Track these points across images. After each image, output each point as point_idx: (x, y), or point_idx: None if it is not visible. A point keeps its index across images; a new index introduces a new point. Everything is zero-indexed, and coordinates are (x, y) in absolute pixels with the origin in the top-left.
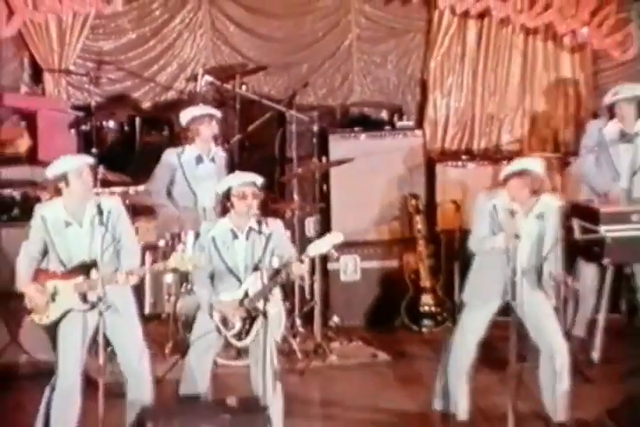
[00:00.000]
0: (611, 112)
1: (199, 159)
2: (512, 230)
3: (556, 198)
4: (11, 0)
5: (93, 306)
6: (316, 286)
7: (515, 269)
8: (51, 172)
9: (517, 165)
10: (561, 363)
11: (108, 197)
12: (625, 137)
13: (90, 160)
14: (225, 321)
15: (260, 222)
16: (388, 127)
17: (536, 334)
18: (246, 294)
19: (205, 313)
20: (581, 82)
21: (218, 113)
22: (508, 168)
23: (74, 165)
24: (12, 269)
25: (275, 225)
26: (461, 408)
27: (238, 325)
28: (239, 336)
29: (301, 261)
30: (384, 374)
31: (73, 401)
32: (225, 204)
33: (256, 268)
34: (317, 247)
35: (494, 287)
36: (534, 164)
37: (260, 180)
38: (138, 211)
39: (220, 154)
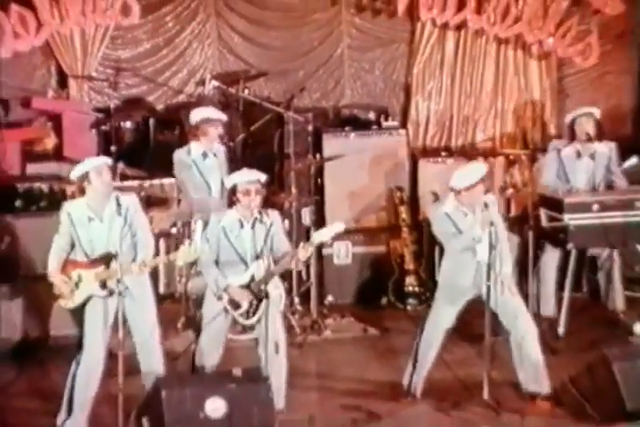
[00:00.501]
0: (571, 131)
1: (205, 155)
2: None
3: (488, 197)
4: (39, 14)
5: (112, 293)
6: (312, 269)
7: (488, 266)
8: (74, 173)
9: (477, 172)
10: (532, 340)
11: (125, 194)
12: (581, 158)
13: (108, 160)
14: (233, 302)
15: (261, 213)
16: (375, 127)
17: (507, 320)
18: (252, 279)
19: (214, 296)
20: (547, 86)
21: (224, 117)
22: (470, 179)
23: (94, 165)
24: (42, 254)
25: (274, 216)
26: (419, 388)
27: (246, 305)
28: (247, 315)
29: (306, 249)
30: (373, 346)
31: (95, 375)
32: (231, 197)
33: (258, 255)
34: (321, 235)
35: (464, 282)
36: (482, 167)
37: (263, 177)
38: (152, 202)
39: (221, 149)
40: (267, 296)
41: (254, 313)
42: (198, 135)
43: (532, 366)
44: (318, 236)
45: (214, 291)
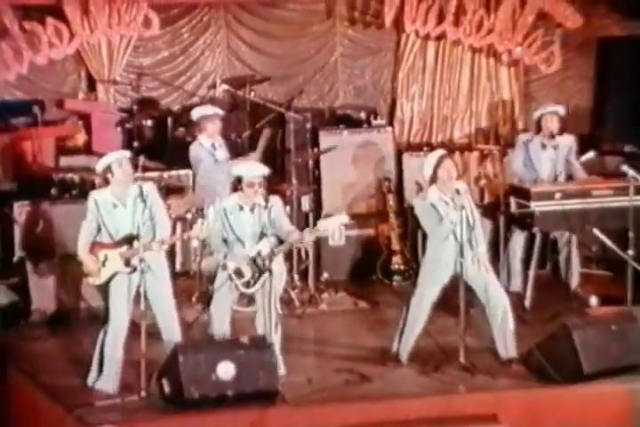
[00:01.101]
0: (538, 126)
1: (214, 147)
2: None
3: (459, 184)
4: (71, 26)
5: (134, 269)
6: (310, 250)
7: (461, 246)
8: (99, 166)
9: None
10: (505, 311)
11: (145, 182)
12: (546, 149)
13: (127, 154)
14: (238, 271)
15: (263, 199)
16: (365, 125)
17: (483, 294)
18: (259, 253)
19: (223, 271)
20: (516, 90)
21: (220, 111)
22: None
23: (115, 158)
24: (74, 235)
25: (275, 200)
26: (405, 354)
27: (248, 275)
28: (248, 284)
29: (312, 234)
30: (364, 318)
31: (120, 342)
32: (236, 185)
33: (262, 235)
34: (327, 224)
35: (445, 261)
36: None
37: (267, 171)
38: (170, 190)
39: (222, 141)
40: (270, 272)
41: (254, 284)
42: (201, 130)
43: (502, 334)
44: (324, 224)
45: (220, 260)
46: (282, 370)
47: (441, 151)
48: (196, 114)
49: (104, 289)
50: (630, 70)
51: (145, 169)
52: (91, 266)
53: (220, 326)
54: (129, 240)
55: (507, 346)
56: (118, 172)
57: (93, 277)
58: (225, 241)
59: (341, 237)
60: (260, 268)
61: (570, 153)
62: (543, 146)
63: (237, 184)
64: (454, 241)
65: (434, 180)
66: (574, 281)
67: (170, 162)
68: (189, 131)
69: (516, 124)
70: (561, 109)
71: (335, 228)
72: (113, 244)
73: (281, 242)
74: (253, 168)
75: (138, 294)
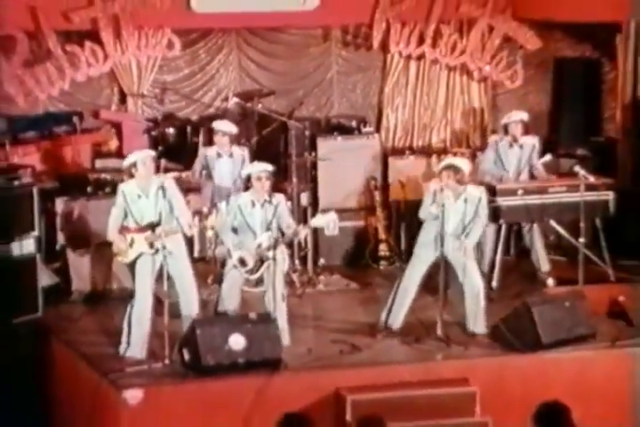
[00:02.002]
0: (505, 130)
1: (219, 155)
2: (440, 202)
3: (479, 190)
4: (106, 48)
5: (157, 251)
6: (309, 239)
7: (443, 231)
8: (125, 162)
9: (445, 162)
10: (478, 293)
11: (166, 177)
12: (513, 147)
13: (151, 153)
14: (241, 261)
15: (270, 196)
16: (356, 132)
17: (462, 276)
18: (259, 246)
19: (230, 259)
20: (484, 102)
21: (228, 128)
22: (441, 164)
23: (140, 157)
24: (106, 226)
25: (280, 198)
26: (397, 322)
27: (251, 264)
28: (251, 272)
29: (305, 229)
30: (354, 297)
31: (145, 315)
32: (247, 183)
33: (268, 228)
34: (317, 221)
35: (433, 245)
36: (459, 162)
37: (270, 168)
38: (188, 188)
39: (238, 151)
40: (274, 259)
41: (257, 271)
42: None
43: (473, 312)
44: (315, 221)
45: (229, 249)
46: (286, 341)
47: (453, 161)
48: (214, 125)
49: (132, 268)
50: (581, 86)
51: (166, 170)
52: (120, 245)
53: (230, 303)
54: (152, 226)
55: (476, 322)
56: (142, 168)
57: (122, 257)
58: (235, 231)
59: (335, 228)
60: (261, 257)
61: (533, 151)
62: (510, 145)
63: (248, 182)
64: (439, 230)
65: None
66: (541, 266)
67: (188, 164)
68: (205, 138)
69: (485, 132)
70: (525, 116)
71: (329, 222)
72: (138, 228)
73: (283, 234)
74: (259, 165)
75: (161, 275)
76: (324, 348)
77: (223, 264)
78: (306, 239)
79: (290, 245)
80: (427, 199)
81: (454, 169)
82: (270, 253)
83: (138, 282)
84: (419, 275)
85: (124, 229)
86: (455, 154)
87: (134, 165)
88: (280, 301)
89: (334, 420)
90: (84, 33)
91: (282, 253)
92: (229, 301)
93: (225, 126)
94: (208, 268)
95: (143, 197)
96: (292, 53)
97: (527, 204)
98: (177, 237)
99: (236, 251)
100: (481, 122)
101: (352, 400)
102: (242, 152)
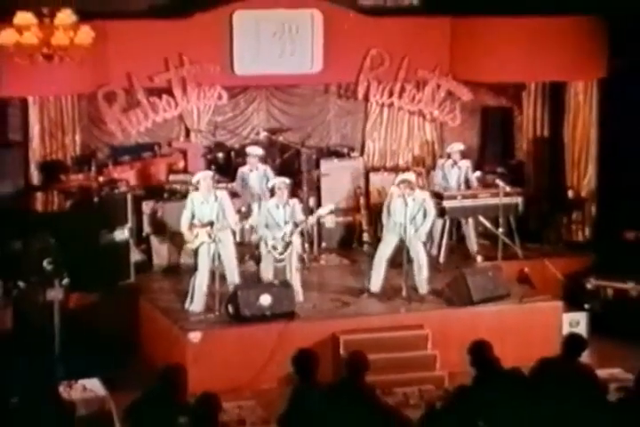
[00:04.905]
0: (448, 155)
1: (250, 171)
2: (402, 205)
3: (424, 194)
4: (177, 99)
5: (213, 240)
6: (314, 229)
7: (406, 223)
8: (194, 179)
9: (400, 177)
10: (423, 265)
11: (219, 189)
12: (454, 168)
13: (210, 173)
14: (274, 247)
15: (288, 201)
16: (347, 156)
17: (413, 252)
18: (284, 235)
19: (264, 246)
20: (434, 136)
21: (256, 151)
22: (398, 179)
23: (203, 176)
24: (177, 220)
25: (295, 202)
26: (375, 286)
27: (281, 249)
28: (280, 254)
29: (313, 217)
30: (347, 269)
31: (204, 282)
32: (271, 191)
33: (287, 223)
34: (320, 211)
35: (393, 231)
36: (408, 176)
37: (288, 181)
38: (232, 194)
39: (262, 168)
40: (291, 243)
41: (283, 253)
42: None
43: (420, 278)
44: (319, 211)
45: (262, 239)
46: (300, 299)
47: (407, 176)
48: (247, 150)
49: (196, 251)
50: (499, 125)
51: (218, 182)
52: (189, 237)
53: (266, 275)
54: (210, 224)
55: (422, 286)
56: (203, 183)
57: (190, 244)
58: (267, 226)
59: (332, 221)
60: (286, 244)
61: (468, 170)
62: (452, 166)
63: (272, 190)
64: (400, 221)
65: (322, 217)
66: (473, 248)
67: (233, 178)
68: (244, 160)
69: (435, 156)
70: (462, 147)
71: (326, 212)
72: (201, 225)
73: (296, 226)
74: (280, 178)
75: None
76: (324, 304)
77: (257, 247)
78: (312, 229)
79: (302, 234)
80: (387, 200)
81: (407, 182)
82: (290, 240)
83: (200, 260)
84: (387, 253)
85: (191, 226)
86: (415, 171)
87: (199, 181)
88: (295, 272)
89: (332, 353)
90: (162, 89)
91: (296, 239)
92: (266, 273)
93: (254, 150)
94: (244, 249)
95: (205, 203)
96: (303, 102)
97: (464, 205)
98: (227, 230)
99: (269, 240)
100: (432, 150)
101: (344, 340)
102: (264, 168)
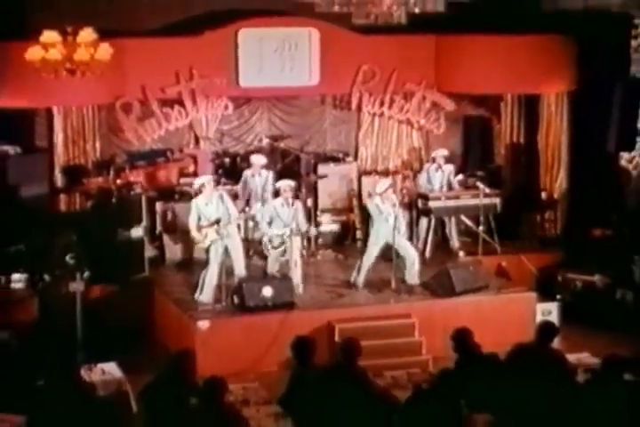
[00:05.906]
0: (433, 160)
1: (252, 175)
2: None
3: (395, 198)
4: (187, 110)
5: (222, 237)
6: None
7: (393, 225)
8: (197, 183)
9: (383, 185)
10: (414, 260)
11: (223, 191)
12: (438, 171)
13: (210, 177)
14: (269, 240)
15: (291, 200)
16: (342, 161)
17: (402, 251)
18: (285, 232)
19: (267, 240)
20: (421, 143)
21: (259, 160)
22: (381, 186)
23: (206, 179)
24: (186, 219)
25: (297, 202)
26: (360, 282)
27: (277, 244)
28: (280, 251)
29: (311, 228)
30: (341, 264)
31: (214, 275)
32: (277, 192)
33: (290, 220)
34: (321, 228)
35: (382, 235)
36: (387, 183)
37: (292, 183)
38: (236, 195)
39: (264, 173)
40: (292, 240)
41: (277, 248)
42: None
43: (411, 272)
44: (377, 188)
45: (266, 235)
46: (300, 290)
47: (388, 181)
48: (251, 157)
49: (207, 249)
50: (479, 133)
51: (224, 184)
52: (198, 238)
53: (273, 268)
54: (217, 221)
55: (413, 278)
56: (207, 186)
57: (200, 244)
58: (270, 223)
59: (331, 226)
60: (283, 241)
61: (451, 173)
62: (437, 170)
63: (277, 192)
64: (387, 223)
65: (381, 193)
66: (456, 244)
67: (237, 181)
68: (249, 165)
69: (421, 161)
70: (445, 152)
71: (386, 190)
72: (208, 224)
73: (300, 231)
74: (285, 181)
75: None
76: (321, 295)
77: (260, 242)
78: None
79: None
80: (375, 209)
81: (392, 188)
82: (291, 236)
83: (211, 256)
84: (375, 250)
85: (200, 227)
86: (403, 174)
87: (203, 185)
88: (295, 267)
89: (327, 340)
90: (173, 100)
91: (297, 237)
92: (272, 267)
93: (258, 160)
94: (249, 245)
95: (209, 204)
96: (302, 112)
97: (447, 205)
98: (232, 226)
99: (275, 238)
100: (419, 155)
101: (339, 328)
102: (267, 173)
